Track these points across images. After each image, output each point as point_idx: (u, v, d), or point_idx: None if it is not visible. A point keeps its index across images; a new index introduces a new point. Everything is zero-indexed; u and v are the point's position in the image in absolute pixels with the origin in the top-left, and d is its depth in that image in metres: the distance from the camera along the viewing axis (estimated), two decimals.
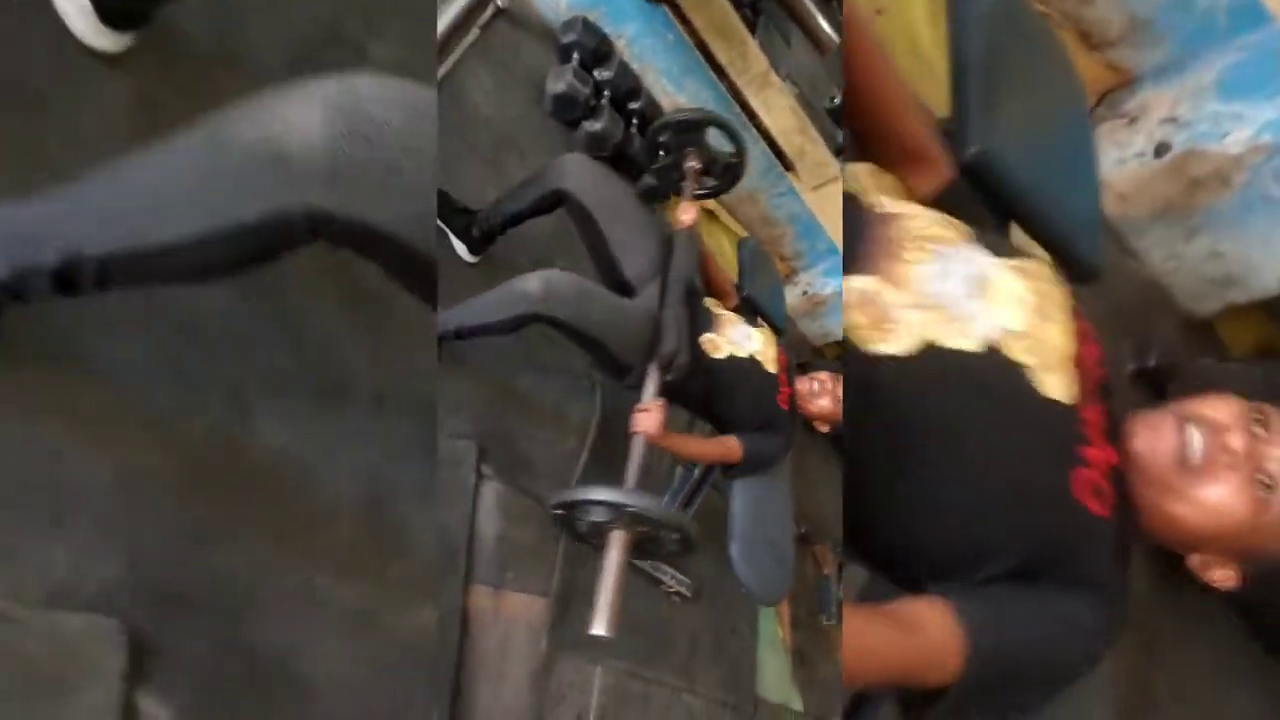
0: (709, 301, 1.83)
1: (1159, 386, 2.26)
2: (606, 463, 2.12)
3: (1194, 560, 0.84)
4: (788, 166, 2.74)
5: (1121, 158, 2.20)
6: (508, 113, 2.25)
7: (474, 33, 2.09)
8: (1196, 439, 0.79)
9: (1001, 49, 1.14)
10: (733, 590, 2.14)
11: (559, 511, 1.44)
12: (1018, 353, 0.78)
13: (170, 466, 1.04)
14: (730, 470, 1.81)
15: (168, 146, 0.73)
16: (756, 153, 2.66)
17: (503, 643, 1.80)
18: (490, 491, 1.81)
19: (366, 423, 1.26)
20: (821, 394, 1.74)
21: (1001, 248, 0.87)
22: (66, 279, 0.77)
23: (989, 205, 1.16)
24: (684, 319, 1.63)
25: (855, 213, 0.85)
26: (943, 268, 0.81)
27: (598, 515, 1.37)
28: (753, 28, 2.60)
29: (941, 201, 0.94)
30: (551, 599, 1.89)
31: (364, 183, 0.65)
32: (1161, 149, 2.13)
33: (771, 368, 1.77)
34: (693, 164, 1.98)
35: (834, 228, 2.94)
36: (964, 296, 0.79)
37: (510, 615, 1.83)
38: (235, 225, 0.67)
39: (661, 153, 2.05)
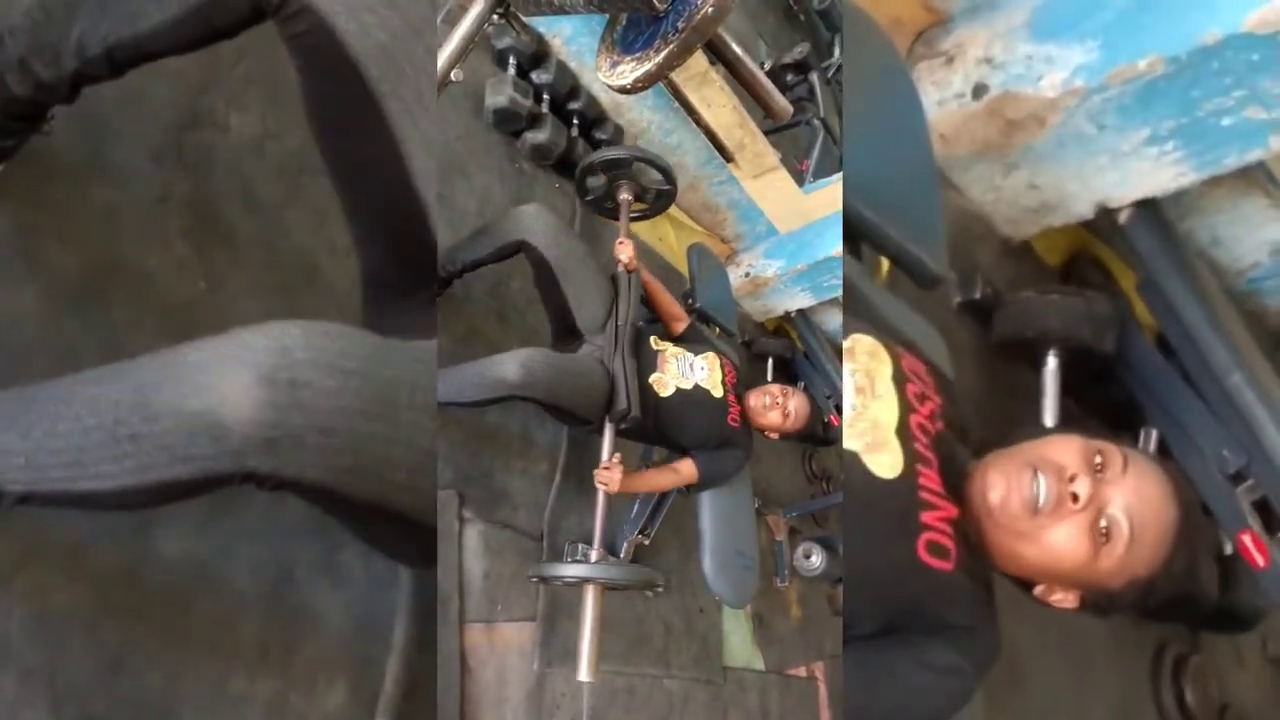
0: (654, 340, 1.87)
1: (984, 316, 2.39)
2: (577, 482, 2.18)
3: (1038, 588, 0.93)
4: (728, 158, 2.76)
5: (941, 99, 2.20)
6: (450, 132, 2.20)
7: None
8: (1044, 487, 0.85)
9: (856, 79, 1.22)
10: (697, 574, 2.20)
11: (536, 579, 1.61)
12: (850, 440, 0.86)
13: (82, 600, 1.04)
14: (692, 489, 1.83)
15: (86, 395, 0.70)
16: (697, 145, 2.69)
17: (499, 671, 1.88)
18: (473, 533, 1.87)
19: (260, 512, 1.25)
20: (771, 408, 1.77)
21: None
22: None
23: (845, 230, 1.25)
24: (632, 371, 1.72)
25: None
26: None
27: (572, 580, 1.57)
28: None
29: None
30: (538, 621, 1.97)
31: (299, 447, 0.66)
32: (979, 90, 2.13)
33: (718, 392, 1.83)
34: (625, 196, 2.04)
35: (774, 212, 3.03)
36: None
37: (503, 645, 1.90)
38: (166, 482, 0.68)
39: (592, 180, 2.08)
